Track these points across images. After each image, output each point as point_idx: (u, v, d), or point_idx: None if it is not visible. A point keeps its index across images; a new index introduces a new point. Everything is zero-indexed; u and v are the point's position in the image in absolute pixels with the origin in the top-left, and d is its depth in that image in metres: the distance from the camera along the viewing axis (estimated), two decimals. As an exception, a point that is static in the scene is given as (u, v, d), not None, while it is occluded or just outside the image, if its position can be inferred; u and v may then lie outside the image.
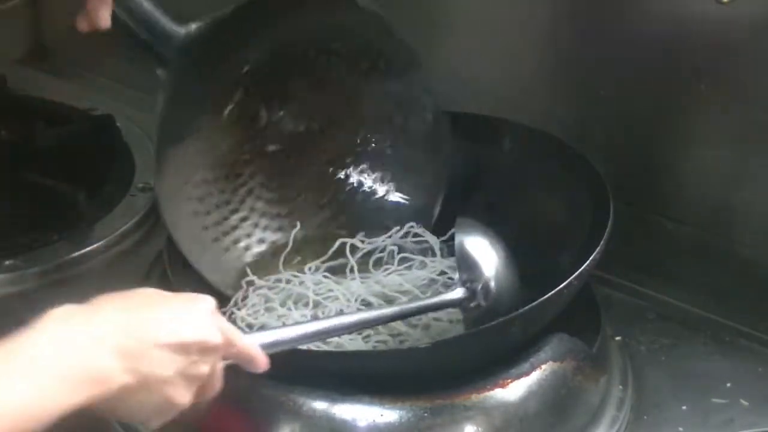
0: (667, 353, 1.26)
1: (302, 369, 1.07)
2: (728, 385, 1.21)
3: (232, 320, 1.19)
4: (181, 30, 1.15)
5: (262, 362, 0.96)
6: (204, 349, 0.89)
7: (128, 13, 1.11)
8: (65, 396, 0.79)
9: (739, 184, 1.29)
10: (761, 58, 1.22)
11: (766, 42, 1.22)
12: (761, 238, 1.29)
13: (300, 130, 1.29)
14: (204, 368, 0.89)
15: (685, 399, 1.20)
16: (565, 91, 1.38)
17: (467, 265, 1.14)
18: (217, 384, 0.93)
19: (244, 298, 1.24)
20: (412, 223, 1.31)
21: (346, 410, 1.06)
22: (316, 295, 1.23)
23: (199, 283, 1.22)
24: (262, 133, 1.27)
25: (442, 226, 1.32)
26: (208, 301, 0.92)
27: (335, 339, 1.15)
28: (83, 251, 1.36)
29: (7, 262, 1.33)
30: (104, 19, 1.08)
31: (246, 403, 1.08)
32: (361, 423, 1.06)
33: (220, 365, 0.92)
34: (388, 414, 1.06)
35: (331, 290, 1.24)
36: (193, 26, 1.16)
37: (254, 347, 0.96)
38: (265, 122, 1.27)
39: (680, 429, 1.17)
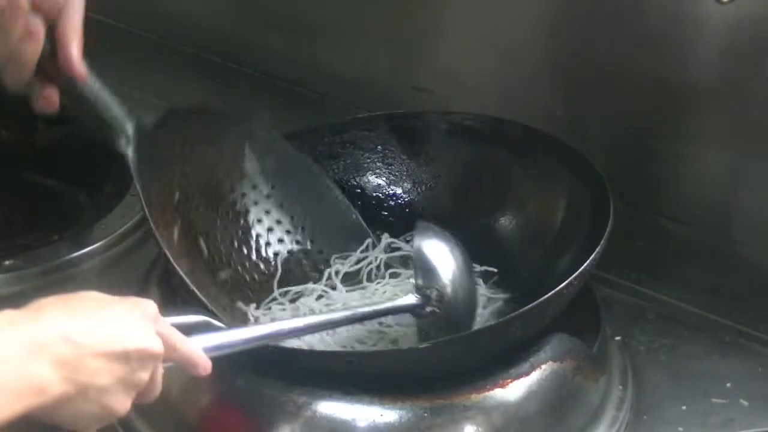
0: (667, 353, 1.26)
1: (302, 369, 1.08)
2: (728, 385, 1.21)
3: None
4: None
5: (205, 366, 0.96)
6: (144, 357, 0.88)
7: (76, 104, 1.10)
8: (2, 406, 0.79)
9: (739, 184, 1.29)
10: (761, 59, 1.22)
11: (766, 42, 1.22)
12: (761, 238, 1.29)
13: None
14: (143, 375, 0.89)
15: (685, 399, 1.20)
16: (565, 91, 1.38)
17: (423, 271, 1.15)
18: (158, 389, 0.92)
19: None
20: (391, 239, 1.31)
21: (346, 410, 1.06)
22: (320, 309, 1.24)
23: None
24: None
25: (440, 226, 1.32)
26: (150, 306, 0.92)
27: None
28: (83, 251, 1.36)
29: (7, 262, 1.33)
30: (54, 104, 1.08)
31: (246, 403, 1.08)
32: (361, 423, 1.06)
33: (160, 370, 0.92)
34: (388, 414, 1.06)
35: (330, 303, 1.24)
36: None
37: (196, 351, 0.95)
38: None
39: (680, 429, 1.17)
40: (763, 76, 1.23)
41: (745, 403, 1.19)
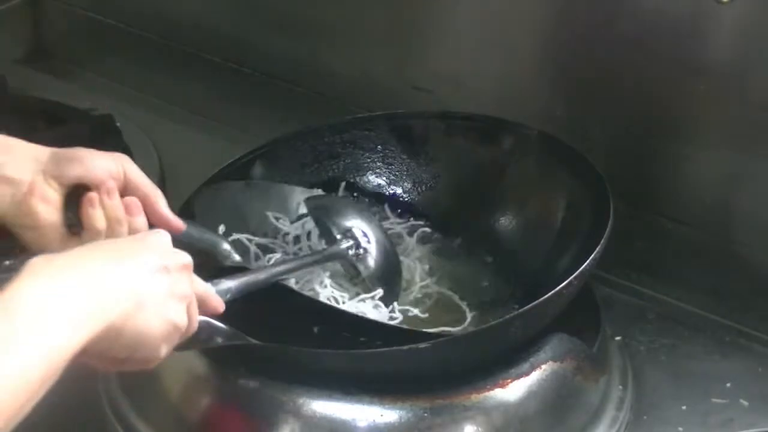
0: (667, 353, 1.27)
1: (302, 369, 1.08)
2: (728, 385, 1.22)
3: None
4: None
5: (219, 302, 0.99)
6: (180, 266, 0.91)
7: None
8: (69, 337, 0.80)
9: (739, 184, 1.29)
10: (761, 58, 1.22)
11: (766, 42, 1.22)
12: (761, 238, 1.29)
13: None
14: (185, 286, 0.92)
15: (685, 399, 1.20)
16: (565, 91, 1.38)
17: (333, 223, 1.24)
18: (196, 314, 0.94)
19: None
20: None
21: (346, 410, 1.06)
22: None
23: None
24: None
25: (437, 226, 1.32)
26: (165, 235, 0.95)
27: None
28: (83, 251, 1.35)
29: (7, 262, 1.33)
30: None
31: (246, 403, 1.08)
32: (361, 423, 1.06)
33: (194, 302, 0.94)
34: (388, 414, 1.06)
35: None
36: None
37: (211, 289, 0.99)
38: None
39: (680, 429, 1.17)
40: (763, 76, 1.23)
41: (745, 403, 1.19)
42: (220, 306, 0.99)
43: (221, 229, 1.23)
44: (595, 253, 1.11)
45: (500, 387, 1.08)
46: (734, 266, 1.31)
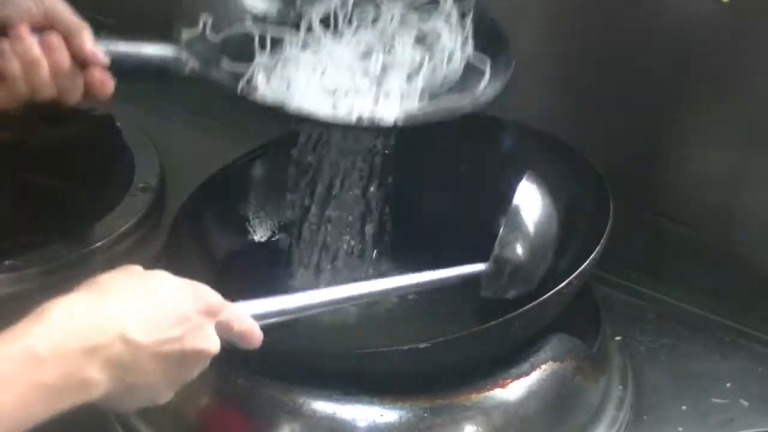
0: (667, 353, 1.27)
1: (302, 369, 1.08)
2: (728, 385, 1.22)
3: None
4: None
5: (259, 338, 0.96)
6: (199, 358, 0.89)
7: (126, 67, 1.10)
8: (45, 405, 0.80)
9: (739, 184, 1.29)
10: (761, 58, 1.22)
11: (766, 42, 1.22)
12: (761, 238, 1.29)
13: None
14: (195, 373, 0.90)
15: (685, 399, 1.20)
16: (565, 91, 1.38)
17: (510, 238, 1.14)
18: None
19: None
20: None
21: (346, 410, 1.06)
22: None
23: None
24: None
25: (438, 225, 1.32)
26: (212, 296, 0.92)
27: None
28: (83, 251, 1.36)
29: (7, 262, 1.33)
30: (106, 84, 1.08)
31: (246, 403, 1.08)
32: (361, 423, 1.06)
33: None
34: (388, 414, 1.06)
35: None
36: None
37: (252, 326, 0.95)
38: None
39: (680, 429, 1.17)
40: (763, 75, 1.23)
41: (745, 403, 1.19)
42: (256, 343, 0.95)
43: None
44: (595, 253, 1.11)
45: (500, 387, 1.08)
46: (734, 266, 1.31)
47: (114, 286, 0.87)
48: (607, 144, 1.35)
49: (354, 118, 1.14)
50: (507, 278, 1.14)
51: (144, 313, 0.86)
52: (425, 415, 1.06)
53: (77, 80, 1.06)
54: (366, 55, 1.20)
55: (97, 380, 0.82)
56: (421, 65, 1.18)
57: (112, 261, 1.36)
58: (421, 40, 1.21)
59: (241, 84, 1.17)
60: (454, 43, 1.20)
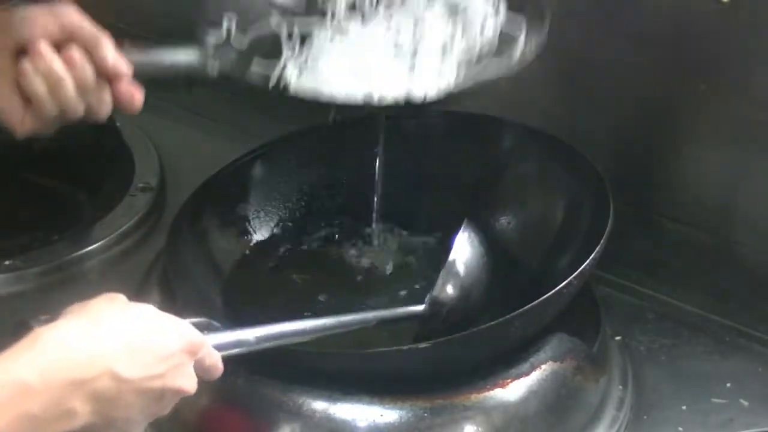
0: (667, 353, 1.26)
1: (302, 369, 1.08)
2: (728, 385, 1.21)
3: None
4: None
5: (220, 371, 0.96)
6: (177, 396, 0.90)
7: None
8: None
9: (739, 184, 1.29)
10: (761, 58, 1.22)
11: (766, 42, 1.22)
12: (761, 238, 1.29)
13: None
14: (169, 408, 0.90)
15: (685, 399, 1.20)
16: (565, 91, 1.38)
17: (447, 285, 1.14)
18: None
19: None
20: None
21: (346, 410, 1.06)
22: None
23: (198, 284, 1.23)
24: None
25: (436, 226, 1.32)
26: (195, 336, 0.92)
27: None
28: (83, 251, 1.36)
29: (7, 262, 1.33)
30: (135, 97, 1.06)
31: (246, 403, 1.08)
32: (361, 423, 1.06)
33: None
34: (388, 414, 1.06)
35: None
36: None
37: (218, 361, 0.95)
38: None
39: (680, 429, 1.17)
40: (763, 76, 1.23)
41: (745, 403, 1.19)
42: (220, 371, 0.96)
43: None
44: (595, 253, 1.11)
45: (500, 387, 1.08)
46: (734, 266, 1.31)
47: (103, 317, 0.87)
48: (607, 144, 1.35)
49: (390, 97, 1.12)
50: (443, 322, 1.14)
51: (131, 347, 0.86)
52: (425, 415, 1.06)
53: (104, 94, 1.04)
54: (397, 34, 1.20)
55: (81, 412, 0.83)
56: (454, 38, 1.18)
57: (112, 261, 1.37)
58: (452, 12, 1.20)
59: (272, 82, 1.16)
60: (485, 12, 1.19)
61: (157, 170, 1.48)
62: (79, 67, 1.00)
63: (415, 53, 1.18)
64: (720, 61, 1.25)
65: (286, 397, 1.07)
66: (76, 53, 1.00)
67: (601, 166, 1.22)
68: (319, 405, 1.06)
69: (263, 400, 1.07)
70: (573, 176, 1.25)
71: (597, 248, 1.12)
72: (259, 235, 1.32)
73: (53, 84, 1.00)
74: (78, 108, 1.03)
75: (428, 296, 1.14)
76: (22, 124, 1.01)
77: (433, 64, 1.16)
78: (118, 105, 1.05)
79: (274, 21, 1.20)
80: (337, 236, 1.30)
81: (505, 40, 1.19)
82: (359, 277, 1.28)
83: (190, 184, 1.31)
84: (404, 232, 1.33)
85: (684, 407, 1.19)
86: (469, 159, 1.33)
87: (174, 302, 1.17)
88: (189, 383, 0.91)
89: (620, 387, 1.19)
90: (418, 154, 1.35)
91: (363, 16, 1.22)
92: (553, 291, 1.08)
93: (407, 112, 1.32)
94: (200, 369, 0.93)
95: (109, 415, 0.84)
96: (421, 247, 1.32)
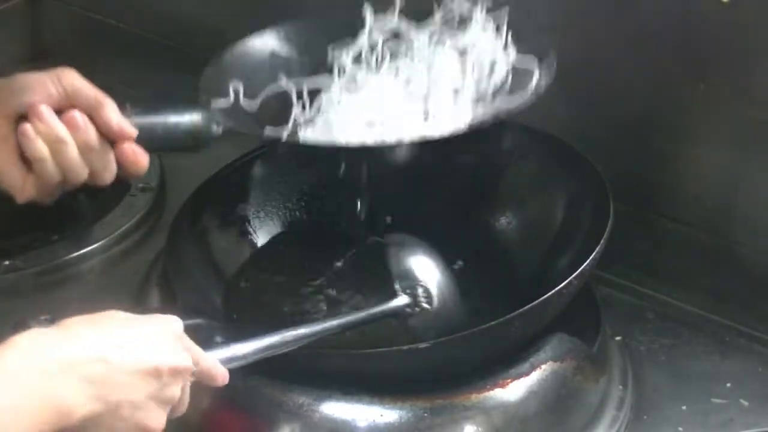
0: (667, 353, 1.26)
1: (302, 369, 1.07)
2: (728, 385, 1.21)
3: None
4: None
5: (223, 377, 0.96)
6: (175, 373, 0.88)
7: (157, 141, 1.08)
8: (22, 428, 0.79)
9: (739, 184, 1.29)
10: (761, 58, 1.22)
11: (766, 42, 1.21)
12: (761, 238, 1.29)
13: None
14: (175, 390, 0.89)
15: (685, 399, 1.20)
16: (565, 91, 1.38)
17: (401, 273, 1.16)
18: (186, 403, 0.92)
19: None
20: None
21: (346, 410, 1.06)
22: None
23: (198, 283, 1.23)
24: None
25: (437, 225, 1.32)
26: (176, 323, 0.92)
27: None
28: (83, 251, 1.36)
29: (7, 262, 1.33)
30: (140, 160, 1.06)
31: (246, 403, 1.08)
32: (361, 423, 1.06)
33: (188, 385, 0.92)
34: (388, 414, 1.06)
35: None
36: None
37: (215, 364, 0.96)
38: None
39: (680, 429, 1.17)
40: (763, 76, 1.23)
41: (745, 403, 1.19)
42: (223, 379, 0.96)
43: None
44: (595, 253, 1.11)
45: (500, 387, 1.08)
46: (734, 266, 1.31)
47: (81, 321, 0.86)
48: (607, 144, 1.35)
49: (406, 139, 1.14)
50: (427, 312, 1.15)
51: (115, 336, 0.86)
52: (425, 415, 1.06)
53: (108, 157, 1.02)
54: (407, 82, 1.21)
55: (76, 398, 0.81)
56: (465, 79, 1.19)
57: (112, 261, 1.37)
58: (461, 53, 1.21)
59: (284, 136, 1.16)
60: (494, 52, 1.20)
61: (157, 170, 1.48)
62: (81, 130, 0.99)
63: (427, 98, 1.19)
64: (720, 61, 1.25)
65: (286, 397, 1.07)
66: (79, 115, 0.99)
67: (601, 166, 1.22)
68: (319, 405, 1.06)
69: (263, 400, 1.07)
70: (573, 176, 1.25)
71: (597, 248, 1.12)
72: (259, 235, 1.32)
73: (56, 147, 0.98)
74: (81, 172, 1.01)
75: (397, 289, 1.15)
76: (23, 190, 1.00)
77: (447, 106, 1.17)
78: (122, 168, 1.04)
79: (282, 82, 1.20)
80: (336, 236, 1.29)
81: (516, 74, 1.19)
82: (359, 277, 1.28)
83: (190, 184, 1.31)
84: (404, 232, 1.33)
85: (684, 407, 1.19)
86: (468, 159, 1.33)
87: (174, 302, 1.17)
88: (182, 359, 0.90)
89: (620, 387, 1.19)
90: (418, 154, 1.35)
91: (370, 68, 1.23)
92: (553, 291, 1.08)
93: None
94: (196, 366, 0.93)
95: (110, 399, 0.83)
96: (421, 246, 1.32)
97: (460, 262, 1.27)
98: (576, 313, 1.16)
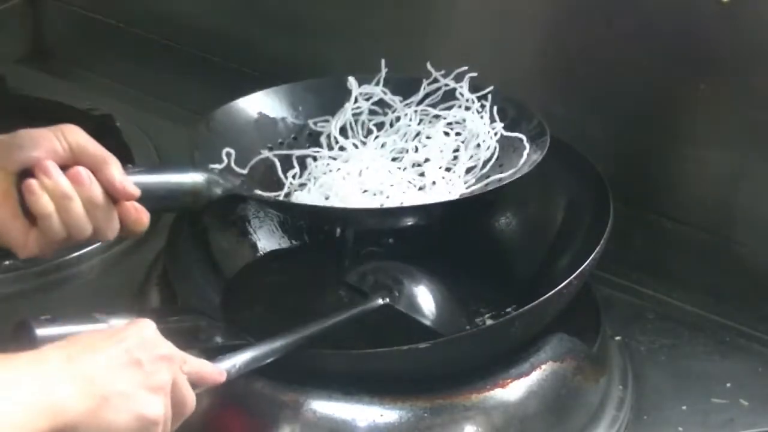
0: (667, 353, 1.26)
1: (302, 369, 1.07)
2: (728, 385, 1.21)
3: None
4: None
5: (218, 375, 0.96)
6: (155, 359, 0.89)
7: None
8: (27, 425, 0.79)
9: (739, 184, 1.29)
10: (761, 58, 1.22)
11: (766, 42, 1.22)
12: (761, 238, 1.29)
13: None
14: (162, 377, 0.89)
15: (685, 399, 1.20)
16: (565, 91, 1.38)
17: (371, 282, 1.17)
18: (189, 395, 0.92)
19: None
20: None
21: (346, 410, 1.06)
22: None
23: (198, 283, 1.23)
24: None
25: (437, 225, 1.32)
26: (150, 324, 0.92)
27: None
28: (83, 251, 1.36)
29: (7, 262, 1.33)
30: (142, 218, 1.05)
31: (246, 403, 1.08)
32: (361, 423, 1.06)
33: (184, 379, 0.92)
34: (388, 414, 1.06)
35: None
36: None
37: (204, 363, 0.95)
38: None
39: (680, 429, 1.17)
40: (764, 76, 1.23)
41: (745, 403, 1.19)
42: (219, 377, 0.96)
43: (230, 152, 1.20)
44: (595, 253, 1.11)
45: (500, 387, 1.08)
46: (734, 266, 1.31)
47: (53, 346, 0.87)
48: (607, 144, 1.35)
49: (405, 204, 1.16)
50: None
51: (86, 343, 0.87)
52: (425, 415, 1.06)
53: (113, 215, 1.02)
54: (397, 154, 1.23)
55: (67, 394, 0.82)
56: (456, 152, 1.22)
57: (112, 261, 1.37)
58: (450, 127, 1.24)
59: (280, 196, 1.19)
60: (481, 127, 1.22)
61: (157, 170, 1.48)
62: (87, 186, 0.99)
63: (420, 171, 1.21)
64: (720, 61, 1.25)
65: (286, 397, 1.07)
66: (84, 171, 0.99)
67: (601, 166, 1.22)
68: (319, 405, 1.06)
69: (263, 400, 1.07)
70: (573, 176, 1.25)
71: (597, 248, 1.12)
72: (259, 235, 1.32)
73: (61, 203, 0.98)
74: (86, 228, 1.01)
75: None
76: (26, 246, 1.00)
77: (440, 177, 1.19)
78: (124, 226, 1.04)
79: (268, 153, 1.23)
80: (336, 236, 1.29)
81: (508, 143, 1.21)
82: (359, 277, 1.27)
83: (190, 184, 1.30)
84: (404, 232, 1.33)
85: (684, 407, 1.19)
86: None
87: (174, 302, 1.17)
88: (159, 342, 0.90)
89: (620, 387, 1.19)
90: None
91: (357, 139, 1.26)
92: (553, 291, 1.08)
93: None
94: (183, 364, 0.93)
95: (98, 392, 0.84)
96: (421, 246, 1.32)
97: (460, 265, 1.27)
98: (576, 313, 1.16)
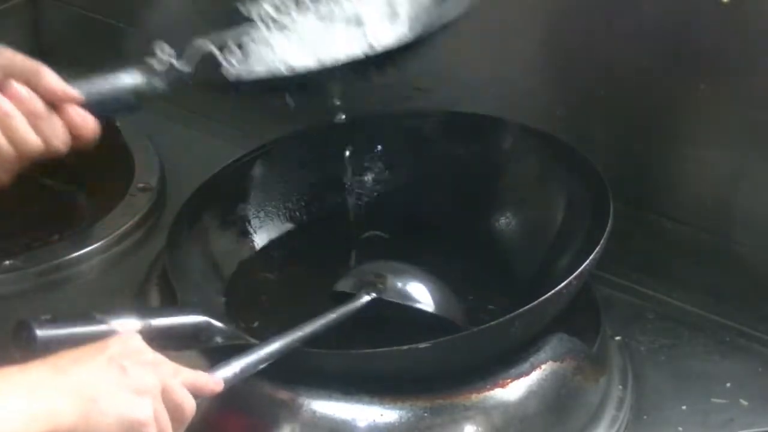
0: (667, 353, 1.26)
1: (302, 369, 1.08)
2: (728, 385, 1.21)
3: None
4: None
5: (215, 385, 0.96)
6: (137, 360, 0.89)
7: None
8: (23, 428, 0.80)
9: (739, 184, 1.29)
10: (761, 58, 1.22)
11: (766, 42, 1.22)
12: (761, 238, 1.29)
13: None
14: (147, 378, 0.89)
15: (685, 399, 1.20)
16: (565, 91, 1.38)
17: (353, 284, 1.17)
18: (186, 400, 0.92)
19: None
20: None
21: (346, 410, 1.06)
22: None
23: (198, 284, 1.23)
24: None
25: (437, 225, 1.32)
26: (135, 335, 0.93)
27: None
28: (83, 251, 1.36)
29: (7, 262, 1.33)
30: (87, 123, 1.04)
31: (245, 403, 1.08)
32: (361, 423, 1.06)
33: (176, 384, 0.91)
34: (388, 414, 1.06)
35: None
36: None
37: (197, 374, 0.95)
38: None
39: (680, 429, 1.17)
40: (763, 76, 1.23)
41: (745, 403, 1.19)
42: (216, 386, 0.96)
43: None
44: (595, 253, 1.11)
45: (500, 387, 1.08)
46: (734, 266, 1.31)
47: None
48: (607, 144, 1.35)
49: (346, 57, 1.11)
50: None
51: (68, 356, 0.87)
52: (425, 415, 1.06)
53: (57, 124, 1.01)
54: (332, 13, 1.19)
55: (60, 400, 0.83)
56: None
57: (112, 261, 1.37)
58: None
59: (224, 72, 1.14)
60: None
61: (157, 170, 1.48)
62: (26, 100, 0.98)
63: (360, 23, 1.17)
64: (720, 61, 1.25)
65: (286, 397, 1.07)
66: (20, 86, 0.98)
67: (601, 166, 1.22)
68: (319, 405, 1.06)
69: (263, 400, 1.07)
70: (573, 176, 1.25)
71: (597, 248, 1.12)
72: (259, 235, 1.32)
73: (3, 122, 0.97)
74: (34, 143, 0.99)
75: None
76: None
77: (384, 27, 1.15)
78: (73, 134, 1.03)
79: (203, 41, 1.17)
80: (336, 236, 1.29)
81: None
82: (344, 283, 1.27)
83: (190, 184, 1.31)
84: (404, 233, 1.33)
85: (684, 407, 1.19)
86: (468, 159, 1.33)
87: (174, 302, 1.17)
88: (138, 343, 0.91)
89: (620, 387, 1.19)
90: (418, 154, 1.35)
91: (291, 13, 1.20)
92: (553, 291, 1.08)
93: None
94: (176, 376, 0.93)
95: (86, 395, 0.84)
96: (421, 246, 1.32)
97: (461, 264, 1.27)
98: (576, 313, 1.16)
